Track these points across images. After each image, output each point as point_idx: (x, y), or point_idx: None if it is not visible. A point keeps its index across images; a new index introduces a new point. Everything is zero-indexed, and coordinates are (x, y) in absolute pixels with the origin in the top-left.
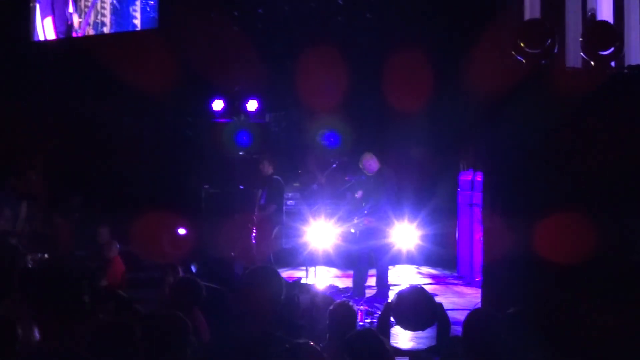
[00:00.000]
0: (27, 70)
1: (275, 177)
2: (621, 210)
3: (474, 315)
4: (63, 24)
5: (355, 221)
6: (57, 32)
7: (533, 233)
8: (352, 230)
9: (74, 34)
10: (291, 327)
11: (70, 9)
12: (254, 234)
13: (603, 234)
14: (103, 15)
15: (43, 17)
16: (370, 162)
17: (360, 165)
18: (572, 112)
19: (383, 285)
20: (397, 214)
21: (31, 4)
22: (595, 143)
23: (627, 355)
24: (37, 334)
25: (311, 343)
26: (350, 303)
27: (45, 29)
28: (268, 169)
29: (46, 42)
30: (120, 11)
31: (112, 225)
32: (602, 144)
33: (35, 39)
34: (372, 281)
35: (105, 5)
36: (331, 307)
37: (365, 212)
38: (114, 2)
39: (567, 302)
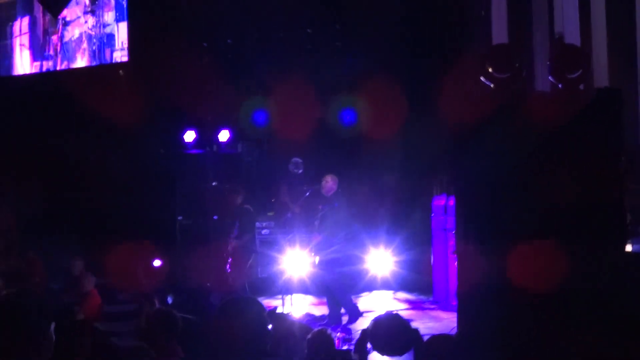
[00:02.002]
0: None
1: (245, 206)
2: (592, 235)
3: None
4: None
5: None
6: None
7: (505, 259)
8: (316, 259)
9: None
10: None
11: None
12: (229, 264)
13: (574, 260)
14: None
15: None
16: (331, 184)
17: (324, 186)
18: (543, 139)
19: (350, 309)
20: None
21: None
22: (565, 168)
23: None
24: None
25: None
26: (328, 331)
27: (23, 62)
28: (237, 199)
29: (17, 76)
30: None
31: (86, 258)
32: (572, 169)
33: (13, 73)
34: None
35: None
36: (309, 336)
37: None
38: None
39: (538, 327)
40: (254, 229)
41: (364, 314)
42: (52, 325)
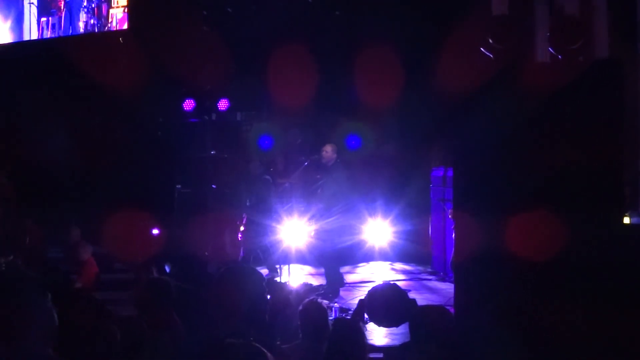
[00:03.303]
0: None
1: (265, 177)
2: (590, 206)
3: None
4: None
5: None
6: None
7: (503, 229)
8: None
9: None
10: (264, 327)
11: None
12: (240, 233)
13: (573, 230)
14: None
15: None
16: (331, 153)
17: (324, 155)
18: (541, 108)
19: (333, 278)
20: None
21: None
22: (564, 138)
23: (593, 351)
24: None
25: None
26: (320, 300)
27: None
28: (256, 169)
29: (15, 43)
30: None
31: (83, 227)
32: (572, 140)
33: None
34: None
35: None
36: (300, 307)
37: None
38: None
39: (535, 297)
40: (269, 199)
41: (360, 286)
42: (49, 297)
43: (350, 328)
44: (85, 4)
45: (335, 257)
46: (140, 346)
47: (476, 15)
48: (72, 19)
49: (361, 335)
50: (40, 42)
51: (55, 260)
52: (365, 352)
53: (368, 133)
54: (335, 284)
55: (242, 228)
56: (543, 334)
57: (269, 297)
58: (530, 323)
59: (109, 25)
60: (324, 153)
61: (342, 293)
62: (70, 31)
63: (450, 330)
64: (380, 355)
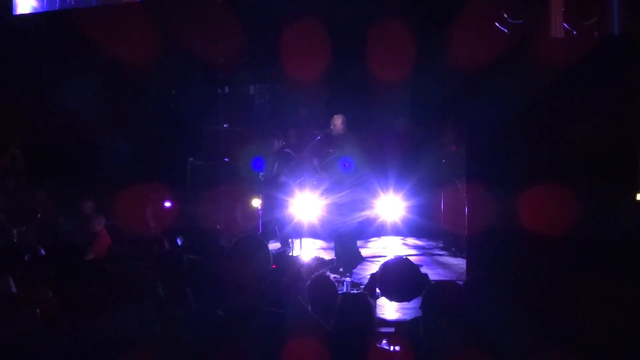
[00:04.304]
0: (6, 45)
1: (286, 150)
2: (602, 182)
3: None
4: None
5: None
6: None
7: (516, 204)
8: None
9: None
10: (276, 300)
11: None
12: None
13: (585, 206)
14: None
15: None
16: (339, 124)
17: (333, 127)
18: (555, 83)
19: (352, 255)
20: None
21: None
22: (577, 114)
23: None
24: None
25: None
26: (329, 274)
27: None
28: (275, 143)
29: (26, 15)
30: None
31: (96, 199)
32: (585, 116)
33: (14, 12)
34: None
35: None
36: (308, 282)
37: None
38: None
39: (548, 272)
40: (291, 173)
41: (372, 260)
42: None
43: (358, 303)
44: None
45: (352, 237)
46: (152, 318)
47: None
48: None
49: (369, 309)
50: (52, 13)
51: (68, 232)
52: (373, 326)
53: (380, 107)
54: (352, 262)
55: (260, 202)
56: (554, 308)
57: (274, 267)
58: (542, 298)
59: None
60: (332, 125)
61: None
62: (85, 3)
63: (461, 306)
64: (392, 329)
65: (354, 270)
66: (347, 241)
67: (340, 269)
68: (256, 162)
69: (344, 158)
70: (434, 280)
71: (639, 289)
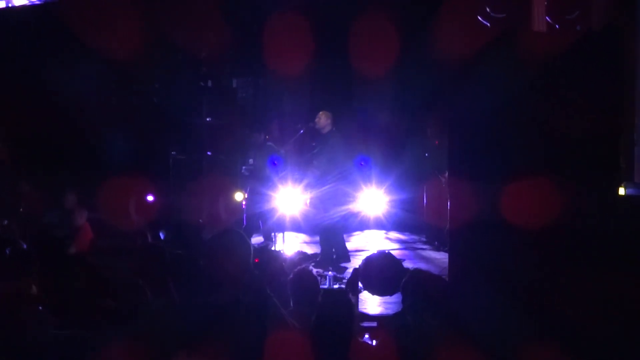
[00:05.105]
0: None
1: (268, 144)
2: (586, 175)
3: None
4: None
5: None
6: None
7: (498, 197)
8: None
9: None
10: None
11: None
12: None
13: (568, 199)
14: None
15: None
16: (324, 120)
17: (317, 122)
18: (538, 77)
19: (340, 251)
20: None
21: None
22: (560, 108)
23: (588, 318)
24: None
25: None
26: (311, 269)
27: None
28: (259, 137)
29: (11, 7)
30: None
31: (79, 192)
32: (568, 109)
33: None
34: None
35: None
36: (290, 276)
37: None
38: None
39: (529, 265)
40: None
41: (355, 254)
42: None
43: (338, 299)
44: None
45: (338, 232)
46: (135, 312)
47: None
48: None
49: (350, 305)
50: (35, 6)
51: (51, 226)
52: (353, 322)
53: (363, 101)
54: (340, 257)
55: (245, 196)
56: (537, 300)
57: (256, 260)
58: (525, 290)
59: None
60: (317, 120)
61: (335, 262)
62: None
63: (444, 299)
64: (374, 324)
65: (337, 265)
66: (336, 235)
67: (323, 263)
68: (272, 161)
69: (360, 157)
70: (414, 269)
71: (620, 280)
